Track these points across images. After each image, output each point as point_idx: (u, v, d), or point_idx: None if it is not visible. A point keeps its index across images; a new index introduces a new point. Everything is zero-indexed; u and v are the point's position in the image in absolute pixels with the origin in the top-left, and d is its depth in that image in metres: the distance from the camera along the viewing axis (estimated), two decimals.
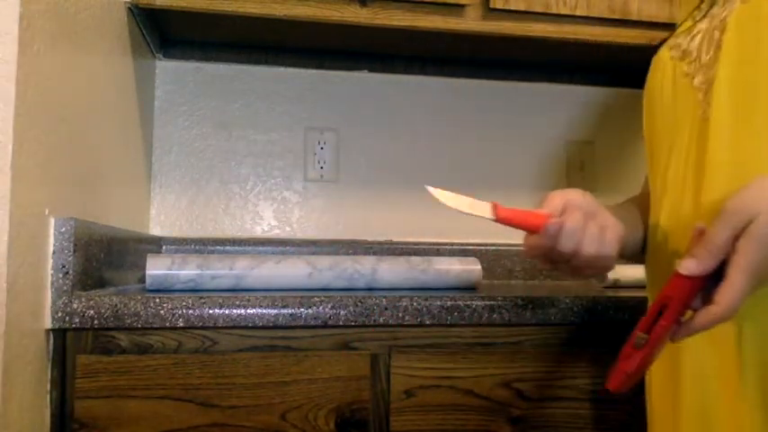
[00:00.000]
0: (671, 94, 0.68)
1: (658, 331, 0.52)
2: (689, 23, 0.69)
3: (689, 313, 0.53)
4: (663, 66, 0.70)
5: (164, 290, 0.85)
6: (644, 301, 0.77)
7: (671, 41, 0.71)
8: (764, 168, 0.57)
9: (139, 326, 0.75)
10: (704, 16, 0.67)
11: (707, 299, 0.51)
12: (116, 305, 0.75)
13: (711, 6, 0.66)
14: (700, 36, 0.66)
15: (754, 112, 0.59)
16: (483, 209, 0.66)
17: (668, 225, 0.66)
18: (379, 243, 1.36)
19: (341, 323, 0.80)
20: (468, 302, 0.82)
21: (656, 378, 0.68)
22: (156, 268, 0.86)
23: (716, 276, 0.51)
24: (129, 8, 1.07)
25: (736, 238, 0.50)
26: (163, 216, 1.32)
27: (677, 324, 0.53)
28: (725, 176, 0.59)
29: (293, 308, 0.78)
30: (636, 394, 0.70)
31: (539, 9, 1.15)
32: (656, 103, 0.71)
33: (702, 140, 0.62)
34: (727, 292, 0.50)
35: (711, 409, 0.60)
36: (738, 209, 0.50)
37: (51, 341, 0.75)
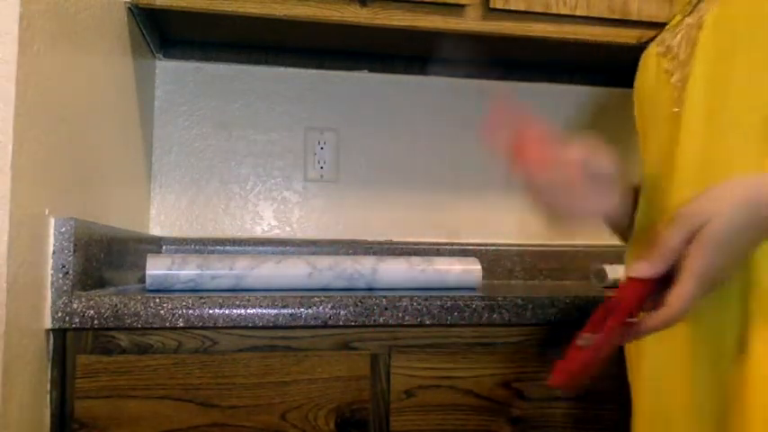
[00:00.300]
0: (654, 90, 0.69)
1: (605, 332, 0.53)
2: (678, 18, 0.69)
3: (643, 315, 0.53)
4: (649, 62, 0.71)
5: (164, 290, 0.85)
6: None
7: (660, 37, 0.71)
8: (732, 168, 0.57)
9: (139, 326, 0.75)
10: (692, 11, 0.67)
11: (660, 302, 0.52)
12: (116, 305, 0.75)
13: (700, 1, 0.66)
14: (681, 33, 0.66)
15: (725, 112, 0.59)
16: None
17: (645, 221, 0.67)
18: (379, 243, 1.36)
19: (341, 323, 0.80)
20: (468, 302, 0.82)
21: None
22: (156, 268, 0.86)
23: (671, 279, 0.52)
24: (129, 8, 1.07)
25: (689, 242, 0.51)
26: (163, 216, 1.32)
27: (627, 326, 0.53)
28: (693, 176, 0.60)
29: (293, 308, 0.78)
30: None
31: (539, 9, 1.15)
32: (643, 100, 0.72)
33: (676, 137, 0.62)
34: (678, 295, 0.50)
35: (668, 407, 0.61)
36: (691, 213, 0.51)
37: (51, 341, 0.75)
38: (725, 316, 0.56)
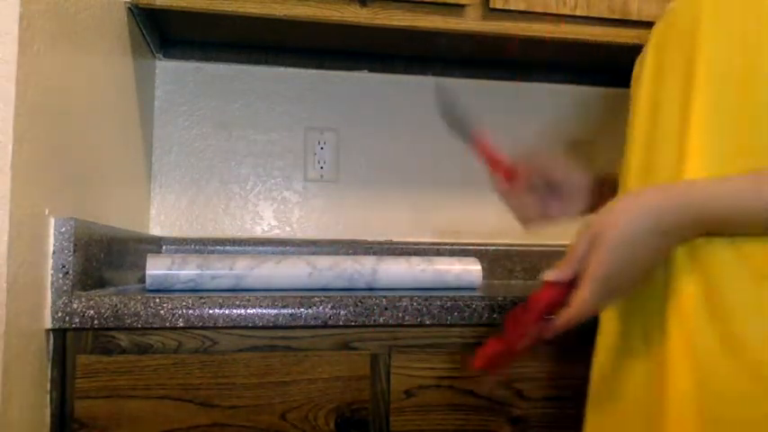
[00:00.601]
0: (633, 94, 0.70)
1: (521, 325, 0.60)
2: None
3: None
4: (636, 67, 0.72)
5: (164, 290, 0.85)
6: None
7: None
8: (662, 175, 0.59)
9: (139, 326, 0.75)
10: None
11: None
12: (116, 305, 0.75)
13: None
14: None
15: (660, 120, 0.61)
16: None
17: None
18: (379, 243, 1.36)
19: (341, 323, 0.80)
20: (468, 302, 0.82)
21: None
22: (156, 268, 0.86)
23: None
24: (129, 8, 1.07)
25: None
26: (163, 216, 1.32)
27: (541, 324, 0.59)
28: (635, 182, 0.63)
29: (293, 308, 0.78)
30: None
31: (539, 9, 1.15)
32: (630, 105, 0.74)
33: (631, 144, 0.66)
34: (577, 298, 0.55)
35: (605, 398, 0.64)
36: (594, 223, 0.55)
37: (51, 341, 0.75)
38: (650, 313, 0.58)
